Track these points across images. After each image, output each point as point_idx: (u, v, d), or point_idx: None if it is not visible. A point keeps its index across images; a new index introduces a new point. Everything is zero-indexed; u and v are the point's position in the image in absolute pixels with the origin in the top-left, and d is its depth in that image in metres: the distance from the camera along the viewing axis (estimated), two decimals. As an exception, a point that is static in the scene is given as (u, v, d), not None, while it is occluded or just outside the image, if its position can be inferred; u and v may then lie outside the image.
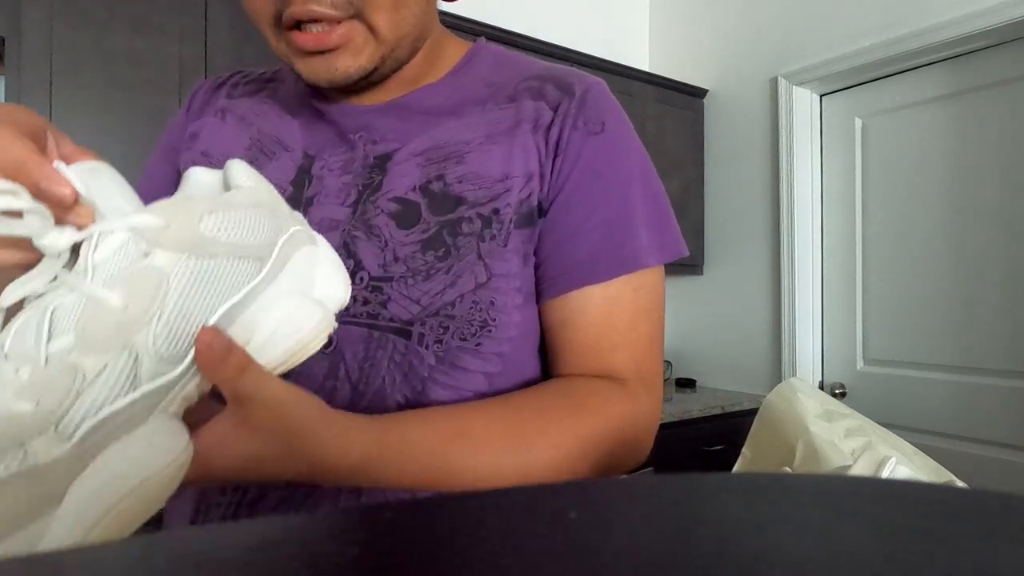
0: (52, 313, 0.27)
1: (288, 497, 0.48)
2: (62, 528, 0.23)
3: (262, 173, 0.42)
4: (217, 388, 0.33)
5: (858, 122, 2.19)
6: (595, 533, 0.15)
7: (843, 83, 2.20)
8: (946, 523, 0.15)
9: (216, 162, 0.55)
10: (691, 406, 2.16)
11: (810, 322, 2.28)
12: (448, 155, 0.51)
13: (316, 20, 0.45)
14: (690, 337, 2.66)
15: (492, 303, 0.49)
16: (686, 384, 2.53)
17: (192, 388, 0.32)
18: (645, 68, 2.72)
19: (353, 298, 0.48)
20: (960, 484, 0.37)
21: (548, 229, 0.52)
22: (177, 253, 0.30)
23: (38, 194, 0.29)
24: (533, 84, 0.54)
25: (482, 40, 0.60)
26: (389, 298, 0.48)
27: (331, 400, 0.47)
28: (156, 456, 0.27)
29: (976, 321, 1.87)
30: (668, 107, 2.49)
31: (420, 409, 0.45)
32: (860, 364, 2.17)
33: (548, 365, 0.55)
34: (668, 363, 2.67)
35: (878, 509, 0.16)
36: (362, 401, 0.48)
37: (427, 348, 0.49)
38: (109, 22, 1.47)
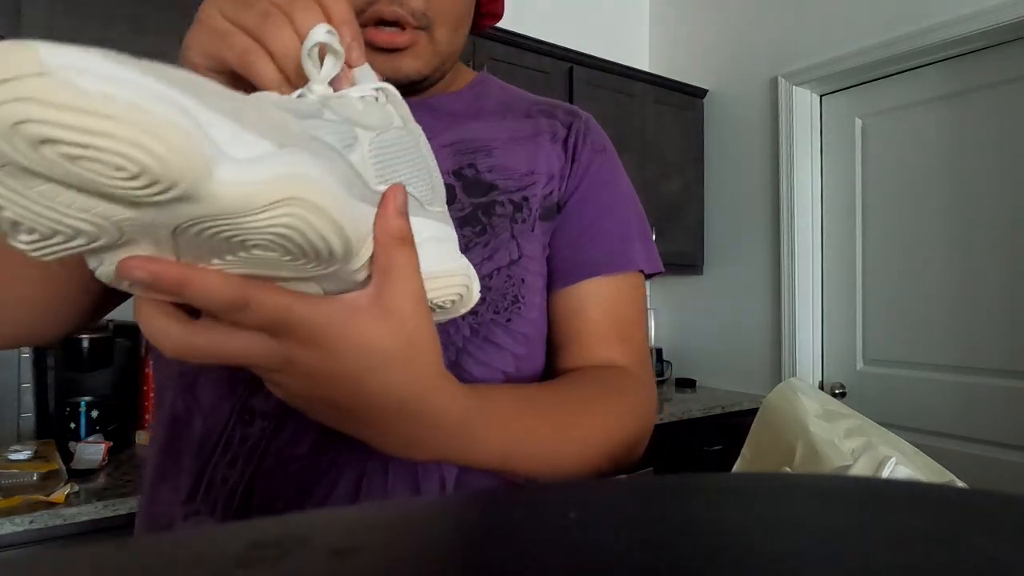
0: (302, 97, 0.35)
1: (301, 502, 0.47)
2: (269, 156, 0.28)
3: None
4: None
5: (858, 122, 2.19)
6: (595, 533, 0.15)
7: (843, 83, 2.20)
8: (946, 523, 0.15)
9: None
10: (691, 406, 2.15)
11: (810, 322, 2.28)
12: (477, 148, 0.56)
13: (395, 22, 0.49)
14: (690, 337, 2.65)
15: (523, 280, 0.54)
16: (686, 384, 2.53)
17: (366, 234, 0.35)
18: (645, 68, 2.72)
19: None
20: (960, 484, 0.37)
21: (560, 227, 0.57)
22: (400, 117, 0.38)
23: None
24: (544, 107, 0.62)
25: (484, 71, 0.67)
26: None
27: None
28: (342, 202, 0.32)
29: (976, 321, 1.87)
30: (668, 107, 2.49)
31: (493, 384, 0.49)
32: (860, 364, 2.17)
33: (552, 359, 0.58)
34: (668, 363, 2.67)
35: (878, 509, 0.16)
36: None
37: (463, 318, 0.51)
38: (109, 22, 1.47)
